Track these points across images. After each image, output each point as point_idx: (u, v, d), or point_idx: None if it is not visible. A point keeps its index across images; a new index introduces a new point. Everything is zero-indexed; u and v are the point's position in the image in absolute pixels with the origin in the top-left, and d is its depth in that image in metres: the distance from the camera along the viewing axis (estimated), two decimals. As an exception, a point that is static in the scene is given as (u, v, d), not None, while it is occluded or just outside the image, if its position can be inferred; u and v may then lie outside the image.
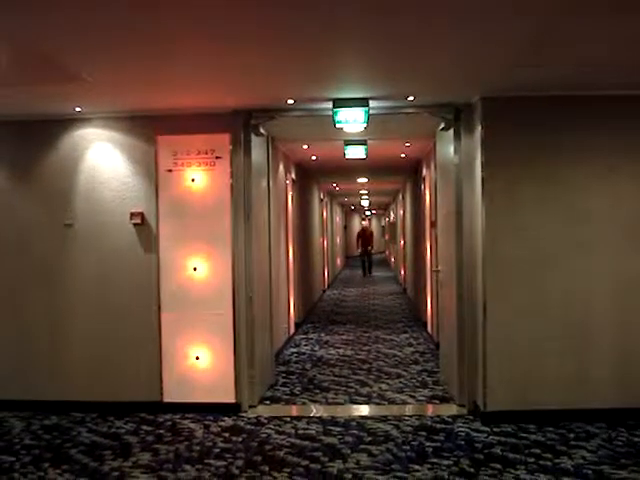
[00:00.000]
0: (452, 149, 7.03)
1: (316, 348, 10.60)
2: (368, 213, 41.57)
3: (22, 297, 7.25)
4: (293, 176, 12.31)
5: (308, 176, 15.00)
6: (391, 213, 30.39)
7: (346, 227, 39.56)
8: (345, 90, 6.32)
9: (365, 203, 29.86)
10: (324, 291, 19.67)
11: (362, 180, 16.82)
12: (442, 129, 7.38)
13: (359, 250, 27.41)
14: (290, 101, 6.66)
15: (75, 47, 4.75)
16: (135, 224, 7.03)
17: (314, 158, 11.93)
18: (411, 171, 13.98)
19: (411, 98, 6.60)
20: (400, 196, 20.37)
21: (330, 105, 6.61)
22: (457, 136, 6.97)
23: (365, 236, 27.09)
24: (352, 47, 4.95)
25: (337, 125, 6.71)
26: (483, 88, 6.29)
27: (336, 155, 10.43)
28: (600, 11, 4.08)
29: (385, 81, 6.08)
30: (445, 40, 4.75)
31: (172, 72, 5.56)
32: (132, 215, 7.04)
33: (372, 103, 6.59)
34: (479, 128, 6.52)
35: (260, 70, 5.54)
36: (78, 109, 6.80)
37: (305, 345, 10.88)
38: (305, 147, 10.41)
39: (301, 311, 13.04)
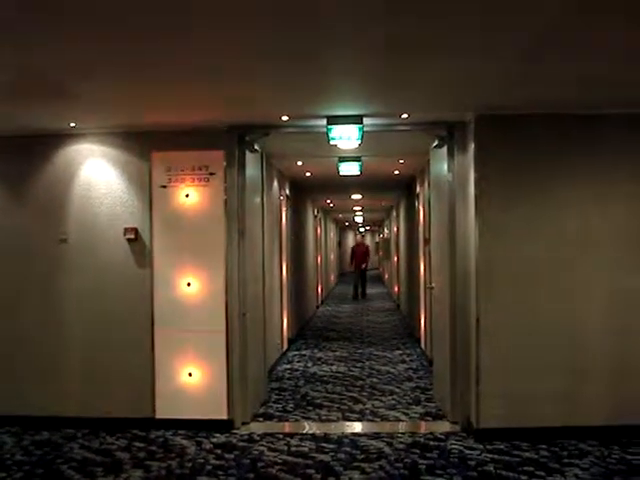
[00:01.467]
0: (445, 166, 7.06)
1: (309, 365, 10.57)
2: (362, 229, 41.61)
3: (15, 312, 7.23)
4: (287, 192, 12.33)
5: (302, 192, 15.03)
6: (385, 229, 30.40)
7: (340, 243, 39.55)
8: (339, 107, 6.36)
9: (359, 219, 29.90)
10: (318, 307, 19.64)
11: (356, 196, 16.86)
12: (435, 146, 7.42)
13: (352, 267, 24.01)
14: (284, 118, 6.68)
15: (69, 64, 4.77)
16: (129, 239, 7.03)
17: (308, 174, 11.95)
18: (405, 188, 14.02)
19: (405, 115, 6.63)
20: (394, 212, 20.40)
21: (324, 122, 6.64)
22: (450, 154, 7.00)
23: (360, 252, 23.52)
24: (346, 65, 4.97)
25: (331, 142, 6.74)
26: (477, 106, 6.34)
27: (330, 171, 10.45)
28: (597, 26, 4.11)
29: (379, 99, 6.12)
30: (438, 58, 4.78)
31: (166, 89, 5.59)
32: (126, 230, 7.04)
33: (366, 120, 6.62)
34: (472, 146, 6.56)
35: (254, 87, 5.57)
36: (72, 124, 6.81)
37: (298, 362, 10.86)
38: (299, 163, 10.44)
39: (294, 327, 13.01)
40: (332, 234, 31.03)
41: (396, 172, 11.55)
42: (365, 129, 6.66)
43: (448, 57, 4.75)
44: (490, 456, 6.02)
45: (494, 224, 6.50)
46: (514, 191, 6.52)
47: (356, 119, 6.57)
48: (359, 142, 6.76)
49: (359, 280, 23.46)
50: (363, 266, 23.36)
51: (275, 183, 10.59)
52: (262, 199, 8.21)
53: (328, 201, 19.63)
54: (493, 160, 6.50)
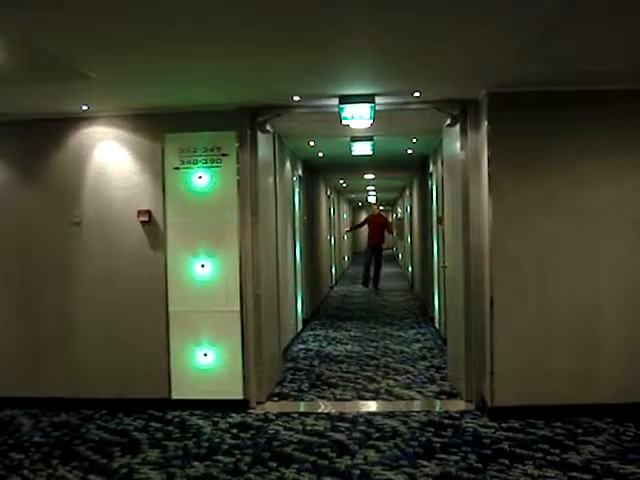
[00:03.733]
0: (459, 145, 7.02)
1: (324, 344, 10.60)
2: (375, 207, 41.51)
3: (30, 295, 7.28)
4: (300, 173, 12.32)
5: (315, 173, 15.00)
6: (398, 209, 30.34)
7: (353, 223, 39.49)
8: (351, 86, 6.33)
9: (372, 199, 29.80)
10: (332, 287, 19.66)
11: (369, 176, 16.81)
12: (448, 125, 7.38)
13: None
14: (296, 98, 6.66)
15: (82, 45, 4.77)
16: (142, 222, 7.05)
17: (321, 155, 11.93)
18: (418, 167, 13.96)
19: (417, 94, 6.59)
20: (407, 192, 20.36)
21: (336, 102, 6.62)
22: (463, 132, 6.96)
23: (374, 225, 18.55)
24: (357, 43, 4.94)
25: (343, 121, 6.73)
26: (489, 83, 6.27)
27: (343, 152, 10.44)
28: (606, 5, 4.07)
29: (391, 77, 6.09)
30: (450, 35, 4.74)
31: (178, 70, 5.60)
32: (139, 213, 7.05)
33: (378, 99, 6.59)
34: (485, 124, 6.51)
35: (266, 68, 5.56)
36: (85, 107, 6.82)
37: (313, 342, 10.89)
38: (312, 144, 10.41)
39: (309, 307, 13.05)
40: (345, 214, 30.98)
41: (409, 151, 11.50)
42: (377, 108, 6.63)
43: (460, 34, 4.71)
44: (505, 434, 6.03)
45: (508, 202, 6.47)
46: (528, 169, 6.48)
47: (368, 98, 6.54)
48: (371, 121, 6.74)
49: (371, 261, 18.54)
50: (380, 244, 18.58)
51: (288, 164, 10.58)
52: (275, 180, 8.20)
53: (341, 181, 19.59)
54: (507, 138, 6.46)
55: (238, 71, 5.69)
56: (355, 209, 40.73)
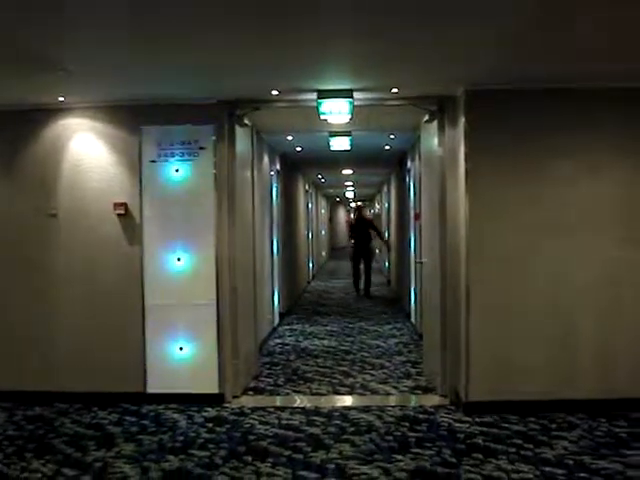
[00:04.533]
0: (436, 141, 7.05)
1: (300, 339, 10.61)
2: (353, 205, 41.61)
3: (5, 288, 7.22)
4: (278, 167, 12.30)
5: (293, 167, 14.99)
6: (376, 204, 30.39)
7: (331, 218, 39.57)
8: (329, 81, 6.33)
9: (350, 194, 29.85)
10: (309, 282, 19.68)
11: (347, 172, 16.83)
12: (426, 121, 7.41)
13: (351, 245, 16.77)
14: (274, 92, 6.65)
15: (59, 37, 4.73)
16: (119, 214, 7.00)
17: (299, 149, 11.92)
18: (396, 163, 14.00)
19: (395, 90, 6.61)
20: (385, 188, 20.39)
21: (314, 96, 6.61)
22: (441, 128, 6.99)
23: (360, 226, 16.51)
24: (336, 38, 4.94)
25: (321, 116, 6.73)
26: (467, 80, 6.32)
27: (321, 146, 10.43)
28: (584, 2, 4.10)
29: (369, 72, 6.09)
30: (428, 31, 4.76)
31: (155, 63, 5.57)
32: (116, 205, 7.00)
33: (357, 95, 6.60)
34: (463, 120, 6.55)
35: (244, 61, 5.54)
36: (61, 99, 6.76)
37: (289, 336, 10.90)
38: (290, 138, 10.40)
39: (286, 302, 13.05)
40: (323, 209, 31.01)
41: (387, 147, 11.53)
42: (355, 103, 6.64)
43: (437, 30, 4.73)
44: (479, 429, 6.08)
45: (484, 198, 6.51)
46: (504, 165, 6.53)
47: (346, 93, 6.55)
48: (349, 116, 6.75)
49: (359, 267, 16.42)
50: (370, 246, 16.67)
51: (265, 158, 10.56)
52: (252, 174, 8.18)
53: (319, 176, 19.60)
54: (483, 134, 6.49)
55: (216, 64, 5.67)
56: (333, 204, 40.76)
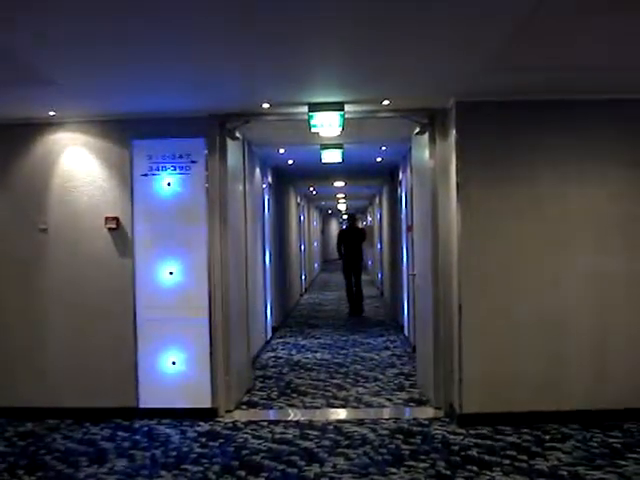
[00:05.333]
0: (427, 153, 7.06)
1: (293, 352, 10.57)
2: (345, 217, 41.61)
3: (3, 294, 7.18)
4: (270, 180, 12.30)
5: (285, 180, 14.99)
6: (368, 217, 30.41)
7: (323, 231, 39.58)
8: (320, 94, 6.34)
9: (342, 207, 29.84)
10: (301, 295, 19.64)
11: (339, 184, 16.81)
12: (417, 133, 7.42)
13: (340, 256, 15.63)
14: (265, 105, 6.66)
15: (49, 52, 4.73)
16: (110, 229, 6.98)
17: (290, 162, 11.91)
18: (388, 175, 14.01)
19: (386, 102, 6.62)
20: (377, 200, 20.40)
21: (306, 109, 6.62)
22: (432, 140, 7.00)
23: (353, 239, 15.47)
24: (326, 51, 4.97)
25: (312, 129, 6.74)
26: (457, 92, 6.34)
27: (313, 159, 10.43)
28: (582, 10, 4.11)
29: (360, 85, 6.10)
30: (418, 44, 4.78)
31: (146, 77, 5.57)
32: (107, 219, 6.99)
33: (347, 107, 6.61)
34: (453, 132, 6.56)
35: (234, 74, 5.55)
36: (52, 113, 6.75)
37: (282, 349, 10.86)
38: (281, 151, 10.39)
39: (278, 315, 13.02)
40: (315, 222, 31.01)
41: (378, 159, 11.54)
42: (347, 116, 6.66)
43: (427, 43, 4.76)
44: (473, 441, 6.06)
45: (476, 211, 6.51)
46: (496, 178, 6.54)
47: (337, 106, 6.56)
48: (340, 129, 6.76)
49: (351, 282, 15.34)
50: (362, 263, 15.78)
51: (257, 171, 10.56)
52: (244, 187, 8.17)
53: (311, 189, 19.60)
54: (474, 146, 6.51)
55: (206, 78, 5.68)
56: (325, 217, 40.79)
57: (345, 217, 18.00)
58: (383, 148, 10.17)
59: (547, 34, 4.53)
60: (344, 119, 6.64)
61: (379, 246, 19.44)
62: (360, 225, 17.26)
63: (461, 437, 6.18)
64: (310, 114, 6.61)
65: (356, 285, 15.38)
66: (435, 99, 6.64)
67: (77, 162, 7.06)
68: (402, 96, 6.52)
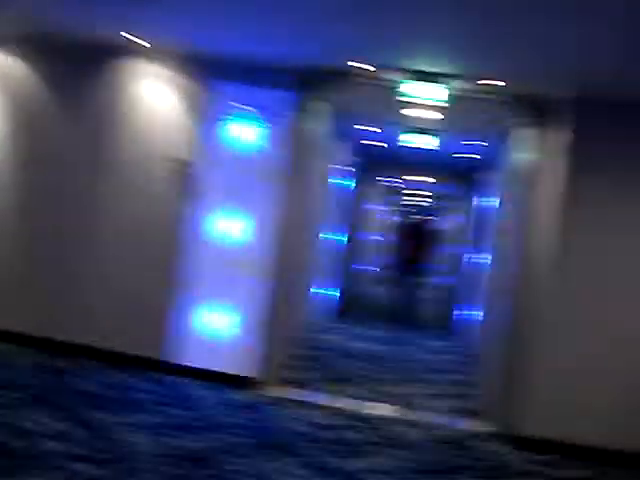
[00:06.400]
0: (530, 151, 6.58)
1: (349, 339, 10.39)
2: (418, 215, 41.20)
3: (50, 229, 7.01)
4: (351, 159, 12.15)
5: (368, 166, 14.60)
6: (445, 217, 29.78)
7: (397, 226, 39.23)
8: (422, 62, 5.87)
9: (424, 203, 29.28)
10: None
11: (424, 179, 16.32)
12: (520, 126, 6.88)
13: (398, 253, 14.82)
14: (360, 66, 6.16)
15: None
16: (178, 170, 6.70)
17: (375, 144, 11.50)
18: (477, 172, 13.48)
19: (493, 82, 6.03)
20: (461, 199, 19.83)
21: (400, 77, 6.12)
22: (538, 136, 6.48)
23: (413, 238, 14.53)
24: (437, 18, 4.53)
25: (410, 100, 6.33)
26: (580, 83, 5.66)
27: (399, 146, 10.15)
28: None
29: (470, 58, 5.58)
30: (542, 17, 4.20)
31: (244, 14, 5.17)
32: (176, 161, 6.71)
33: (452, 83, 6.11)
34: (568, 131, 5.98)
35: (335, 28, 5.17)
36: (132, 38, 6.36)
37: (337, 334, 10.65)
38: (365, 129, 10.00)
39: (343, 300, 12.91)
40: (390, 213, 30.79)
41: (467, 154, 11.03)
42: (451, 92, 6.17)
43: (550, 17, 4.17)
44: (529, 467, 5.61)
45: (579, 222, 5.96)
46: (611, 189, 5.95)
47: (441, 78, 6.04)
48: (446, 105, 6.32)
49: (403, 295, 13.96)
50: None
51: (338, 146, 10.31)
52: (321, 154, 7.85)
53: (391, 179, 19.14)
54: (591, 151, 5.91)
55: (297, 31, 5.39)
56: (401, 212, 40.36)
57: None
58: (474, 142, 9.65)
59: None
60: (450, 96, 6.14)
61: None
62: (426, 223, 17.01)
63: (514, 458, 5.78)
64: (403, 81, 6.11)
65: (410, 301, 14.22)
66: (552, 87, 5.99)
67: (153, 96, 6.82)
68: (514, 77, 5.90)
